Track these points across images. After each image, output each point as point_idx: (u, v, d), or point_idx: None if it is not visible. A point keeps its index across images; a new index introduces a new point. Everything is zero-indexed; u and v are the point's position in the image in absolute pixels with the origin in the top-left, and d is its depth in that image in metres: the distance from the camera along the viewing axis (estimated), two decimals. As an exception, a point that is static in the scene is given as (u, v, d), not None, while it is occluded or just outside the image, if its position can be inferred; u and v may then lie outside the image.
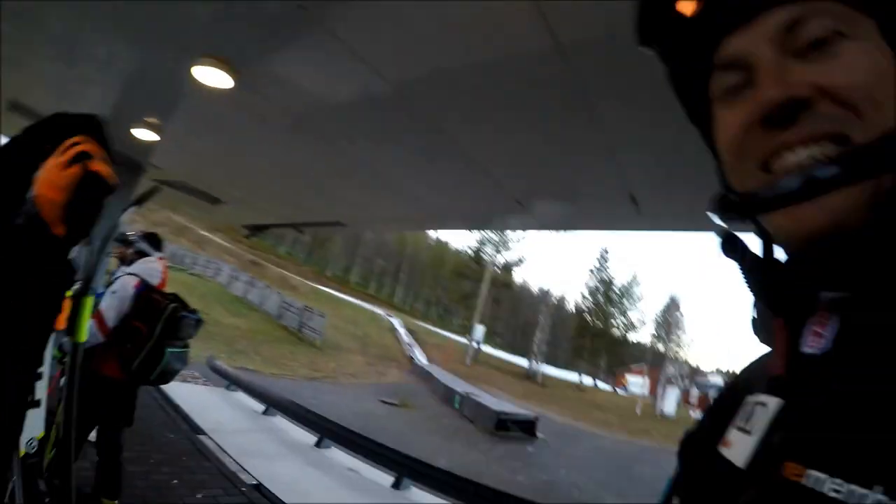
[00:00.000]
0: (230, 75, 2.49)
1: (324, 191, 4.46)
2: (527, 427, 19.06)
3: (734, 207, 0.52)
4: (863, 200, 0.45)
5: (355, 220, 5.66)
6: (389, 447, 8.74)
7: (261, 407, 10.12)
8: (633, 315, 59.06)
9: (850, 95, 0.46)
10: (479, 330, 44.08)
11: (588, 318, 58.62)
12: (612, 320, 58.60)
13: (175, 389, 8.76)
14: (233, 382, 11.42)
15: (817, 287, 0.50)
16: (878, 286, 0.45)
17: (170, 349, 3.99)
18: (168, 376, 4.08)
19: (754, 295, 0.58)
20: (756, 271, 0.56)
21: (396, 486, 7.31)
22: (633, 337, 61.42)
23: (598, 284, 58.96)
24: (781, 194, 0.45)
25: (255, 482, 6.02)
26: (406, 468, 7.53)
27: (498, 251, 56.32)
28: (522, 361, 49.80)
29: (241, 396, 10.79)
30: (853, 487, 0.38)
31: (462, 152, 3.08)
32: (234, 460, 6.58)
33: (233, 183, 4.88)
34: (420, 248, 79.65)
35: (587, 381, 53.91)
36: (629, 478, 16.27)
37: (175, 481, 5.46)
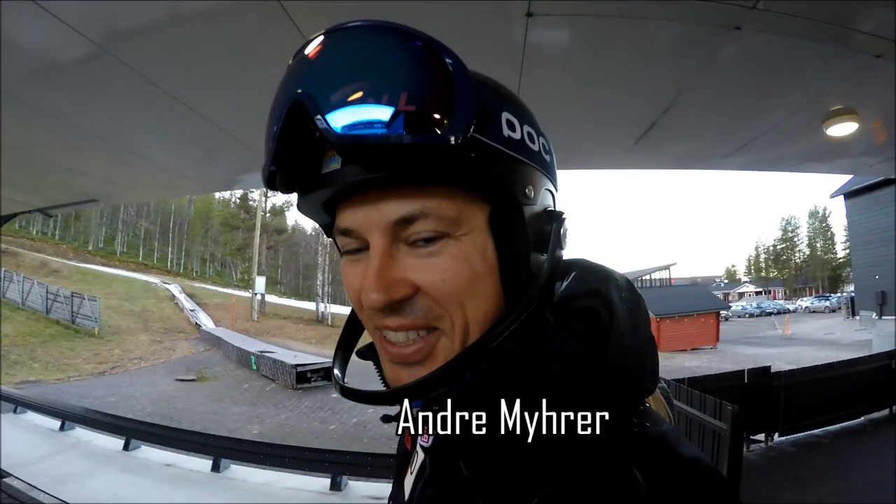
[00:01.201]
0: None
1: (67, 168, 4.29)
2: (327, 374, 18.85)
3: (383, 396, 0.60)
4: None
5: (109, 195, 5.50)
6: (198, 432, 8.95)
7: (56, 423, 9.52)
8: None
9: (440, 297, 0.56)
10: (260, 281, 43.07)
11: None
12: None
13: (-44, 434, 7.89)
14: (19, 404, 10.48)
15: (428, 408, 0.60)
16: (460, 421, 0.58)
17: None
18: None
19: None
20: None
21: (216, 468, 7.49)
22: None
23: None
24: (415, 390, 0.57)
25: (78, 512, 5.81)
26: (220, 449, 7.73)
27: (265, 196, 54.61)
28: (310, 305, 49.48)
29: (33, 416, 9.99)
30: None
31: (199, 115, 3.20)
32: (48, 494, 6.33)
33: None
34: (183, 202, 73.96)
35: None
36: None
37: (0, 544, 5.01)
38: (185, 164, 4.38)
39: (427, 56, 0.53)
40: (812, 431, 8.11)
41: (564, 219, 0.64)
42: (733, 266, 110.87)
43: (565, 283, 0.65)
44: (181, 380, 19.99)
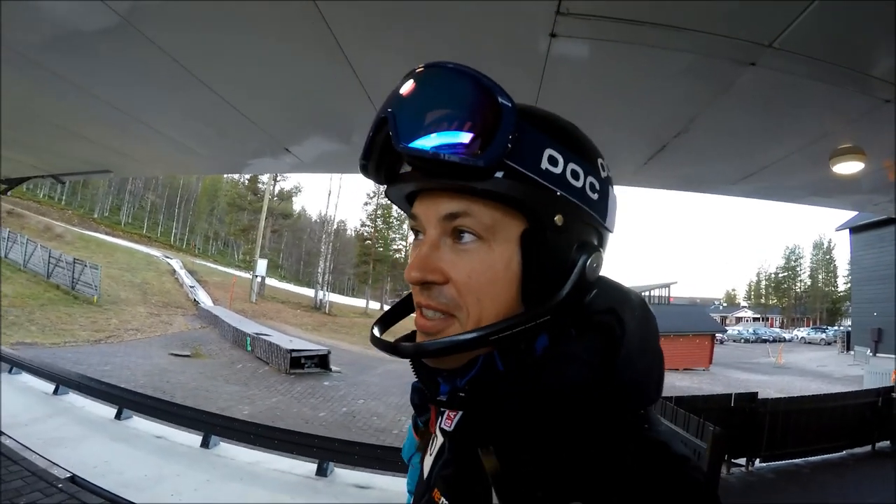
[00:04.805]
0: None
1: (83, 137, 4.31)
2: (321, 361, 19.59)
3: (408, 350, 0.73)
4: (461, 361, 0.73)
5: (122, 167, 5.50)
6: (190, 407, 8.93)
7: (50, 386, 9.56)
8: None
9: (463, 289, 0.70)
10: (262, 264, 43.32)
11: (369, 243, 59.04)
12: (393, 244, 59.60)
13: (-49, 389, 7.93)
14: (14, 365, 10.49)
15: (454, 394, 0.75)
16: (475, 402, 0.72)
17: None
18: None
19: (426, 388, 0.84)
20: (425, 377, 0.83)
21: (206, 444, 7.56)
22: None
23: (376, 209, 59.36)
24: (425, 352, 0.71)
25: (69, 475, 5.97)
26: (211, 425, 7.81)
27: (274, 180, 54.70)
28: (309, 292, 49.83)
29: (27, 378, 10.06)
30: None
31: (218, 95, 3.25)
32: (41, 456, 6.40)
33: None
34: (192, 179, 74.10)
35: (374, 305, 54.79)
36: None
37: (-8, 497, 5.12)
38: (199, 143, 4.41)
39: (485, 96, 0.67)
40: (793, 460, 8.20)
41: (596, 254, 0.74)
42: (733, 290, 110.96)
43: (588, 299, 0.76)
44: (176, 354, 20.10)
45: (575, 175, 0.72)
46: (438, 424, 0.82)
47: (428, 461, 0.89)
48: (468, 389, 0.74)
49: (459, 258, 0.71)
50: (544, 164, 0.69)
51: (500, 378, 0.71)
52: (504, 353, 0.72)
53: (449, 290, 0.71)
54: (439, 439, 0.85)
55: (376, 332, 0.85)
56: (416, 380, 0.88)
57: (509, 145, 0.66)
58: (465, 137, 0.65)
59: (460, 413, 0.76)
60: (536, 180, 0.68)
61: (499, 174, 0.67)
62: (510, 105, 0.66)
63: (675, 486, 0.61)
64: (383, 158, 0.74)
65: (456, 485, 0.75)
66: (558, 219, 0.70)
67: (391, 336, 0.86)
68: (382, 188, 0.81)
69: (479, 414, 0.71)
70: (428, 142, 0.66)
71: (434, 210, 0.72)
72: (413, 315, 0.82)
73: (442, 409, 0.81)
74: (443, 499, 0.75)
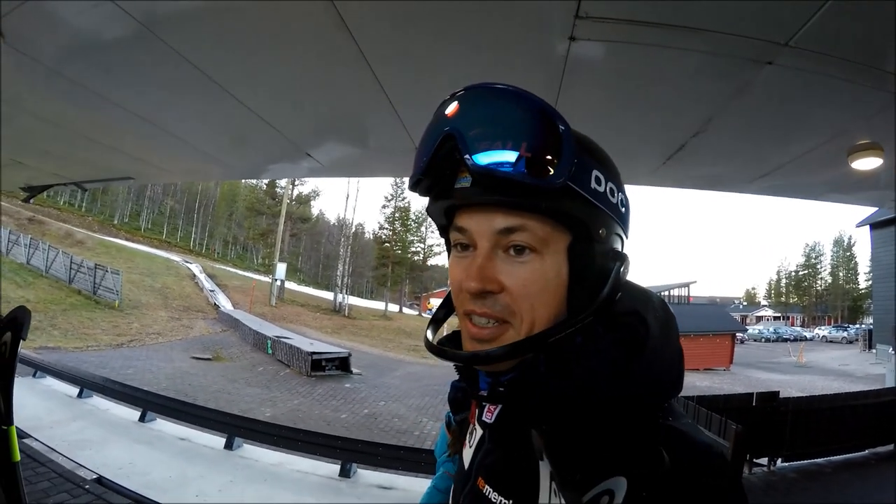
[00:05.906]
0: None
1: (105, 144, 4.32)
2: (341, 364, 19.74)
3: (457, 356, 0.81)
4: (512, 364, 0.77)
5: (143, 174, 5.56)
6: (213, 409, 9.13)
7: (74, 390, 9.77)
8: (432, 240, 59.61)
9: (518, 296, 0.74)
10: (281, 268, 43.85)
11: (388, 245, 58.79)
12: (412, 247, 59.53)
13: (-22, 392, 8.20)
14: (39, 369, 10.74)
15: (495, 390, 0.80)
16: (514, 398, 0.76)
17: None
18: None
19: (467, 385, 0.90)
20: (466, 375, 0.89)
21: (229, 446, 7.70)
22: (434, 261, 62.96)
23: (394, 212, 59.32)
24: (483, 359, 0.76)
25: (95, 476, 6.12)
26: (234, 427, 7.95)
27: (292, 184, 54.99)
28: (328, 295, 50.11)
29: (51, 382, 10.27)
30: (501, 498, 0.77)
31: (237, 100, 3.26)
32: (67, 457, 6.55)
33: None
34: (210, 184, 74.79)
35: (393, 308, 54.71)
36: (445, 399, 17.06)
37: (20, 498, 5.31)
38: (220, 149, 4.45)
39: (544, 118, 0.73)
40: (815, 460, 8.13)
41: (626, 260, 0.81)
42: (753, 289, 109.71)
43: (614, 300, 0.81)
44: (197, 358, 20.38)
45: (612, 193, 0.80)
46: (478, 417, 0.88)
47: (468, 453, 0.95)
48: (507, 385, 0.79)
49: (514, 268, 0.75)
50: (593, 185, 0.77)
51: (540, 375, 0.76)
52: (550, 354, 0.76)
53: (504, 299, 0.76)
54: (478, 431, 0.91)
55: (430, 336, 0.89)
56: (453, 379, 0.96)
57: (573, 168, 0.73)
58: (537, 158, 0.71)
59: (500, 406, 0.82)
60: (588, 199, 0.76)
61: (561, 193, 0.73)
62: (567, 128, 0.73)
63: (698, 468, 0.66)
64: (440, 173, 0.78)
65: (499, 472, 0.80)
66: (602, 232, 0.78)
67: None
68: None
69: (519, 406, 0.76)
70: (495, 157, 0.71)
71: (488, 224, 0.76)
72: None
73: (483, 403, 0.87)
74: (487, 486, 0.80)
